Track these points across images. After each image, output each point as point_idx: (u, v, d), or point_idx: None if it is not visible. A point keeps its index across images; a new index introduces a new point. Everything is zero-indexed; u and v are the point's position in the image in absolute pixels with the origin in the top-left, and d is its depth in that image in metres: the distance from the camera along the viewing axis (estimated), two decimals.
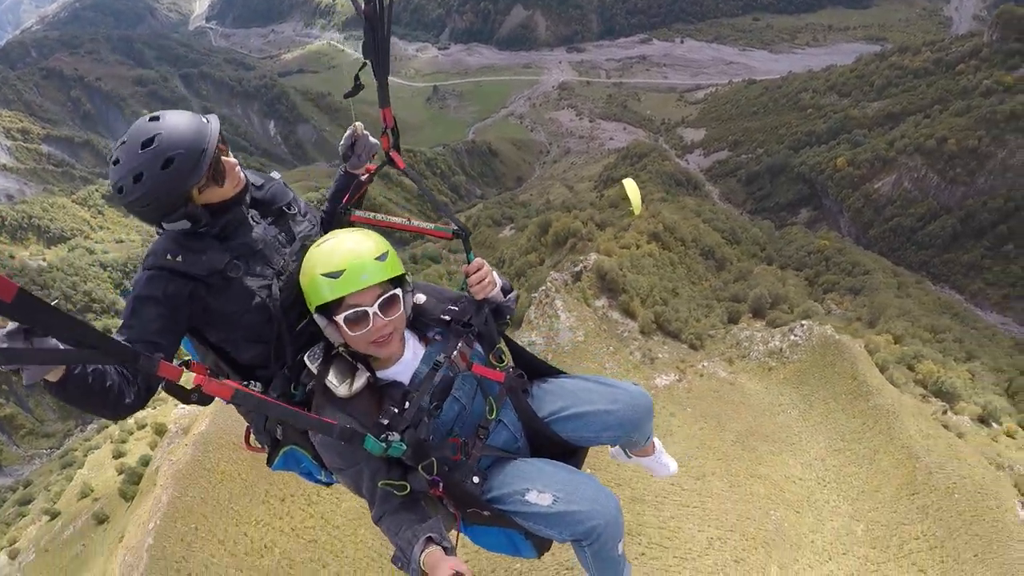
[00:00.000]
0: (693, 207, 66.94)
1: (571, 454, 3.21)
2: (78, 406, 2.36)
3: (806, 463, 26.04)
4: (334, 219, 3.48)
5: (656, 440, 3.81)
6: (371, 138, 3.49)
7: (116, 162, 2.66)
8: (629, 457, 3.86)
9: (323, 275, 2.68)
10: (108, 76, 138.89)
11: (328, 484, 3.41)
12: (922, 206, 70.69)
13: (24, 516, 39.59)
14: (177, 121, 2.66)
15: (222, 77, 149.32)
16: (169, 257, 2.77)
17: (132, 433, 38.99)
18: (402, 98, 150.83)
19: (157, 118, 2.70)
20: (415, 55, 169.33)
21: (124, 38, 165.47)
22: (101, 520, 31.01)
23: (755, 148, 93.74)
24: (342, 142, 3.48)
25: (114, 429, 42.59)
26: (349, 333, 2.74)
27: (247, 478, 24.66)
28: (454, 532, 2.97)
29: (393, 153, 3.41)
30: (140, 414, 43.10)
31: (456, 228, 3.44)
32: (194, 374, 2.26)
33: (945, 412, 30.32)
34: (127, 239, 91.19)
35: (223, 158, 2.82)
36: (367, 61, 3.14)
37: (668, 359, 33.31)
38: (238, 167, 2.92)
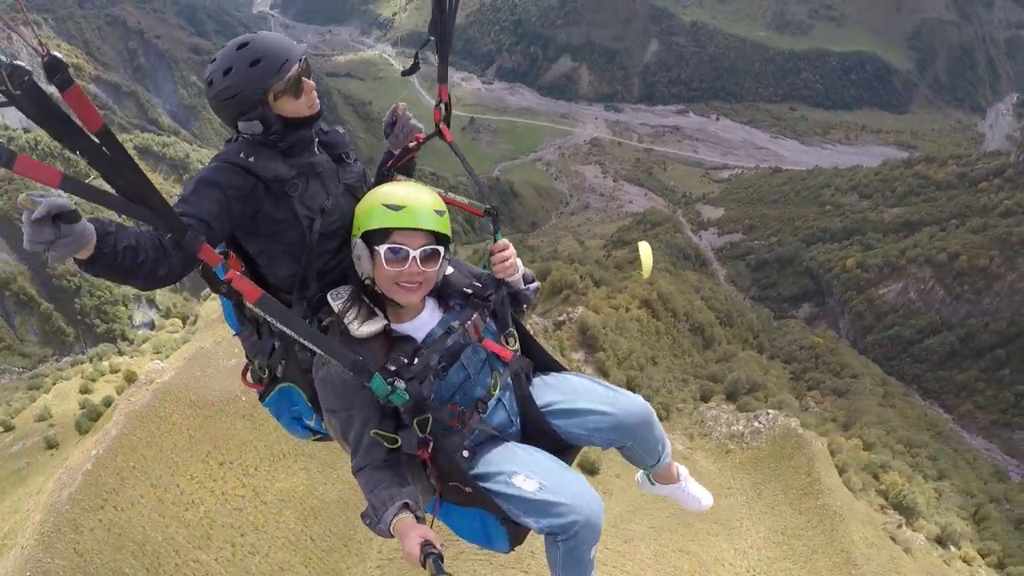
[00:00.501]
0: (693, 282, 66.94)
1: (562, 451, 3.15)
2: (107, 279, 2.39)
3: (740, 550, 25.39)
4: (379, 183, 3.41)
5: (681, 468, 3.73)
6: (412, 120, 3.51)
7: (213, 60, 2.88)
8: (653, 485, 3.78)
9: (384, 204, 2.75)
10: (167, 36, 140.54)
11: (313, 435, 3.40)
12: (924, 319, 70.40)
13: None
14: (271, 35, 2.91)
15: None
16: (242, 156, 2.88)
17: (104, 375, 39.26)
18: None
19: (255, 33, 2.93)
20: (460, 83, 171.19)
21: (189, 5, 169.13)
22: (51, 445, 31.11)
23: (769, 236, 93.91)
24: (384, 119, 3.55)
25: (87, 367, 43.16)
26: (384, 267, 2.76)
27: (194, 435, 24.98)
28: (428, 514, 2.91)
29: (443, 126, 3.48)
30: (116, 360, 43.44)
31: (488, 207, 3.47)
32: (231, 267, 2.36)
33: (900, 526, 29.65)
34: None
35: (303, 78, 2.94)
36: (431, 38, 3.24)
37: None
38: (315, 92, 3.04)
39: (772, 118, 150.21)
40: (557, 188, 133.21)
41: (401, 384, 2.68)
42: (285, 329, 2.54)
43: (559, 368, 3.42)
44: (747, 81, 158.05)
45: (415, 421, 2.72)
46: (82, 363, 49.92)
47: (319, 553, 22.97)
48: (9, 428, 35.60)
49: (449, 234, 2.89)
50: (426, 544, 2.35)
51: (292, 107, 2.97)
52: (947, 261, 70.67)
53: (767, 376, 47.11)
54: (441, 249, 2.85)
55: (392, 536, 2.50)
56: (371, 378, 2.61)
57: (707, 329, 53.85)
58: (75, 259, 2.14)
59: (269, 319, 2.51)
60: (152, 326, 72.16)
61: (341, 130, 3.40)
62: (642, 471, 3.75)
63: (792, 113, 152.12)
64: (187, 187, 2.81)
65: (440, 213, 2.82)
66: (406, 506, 2.52)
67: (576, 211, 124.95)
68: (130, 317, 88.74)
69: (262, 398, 3.30)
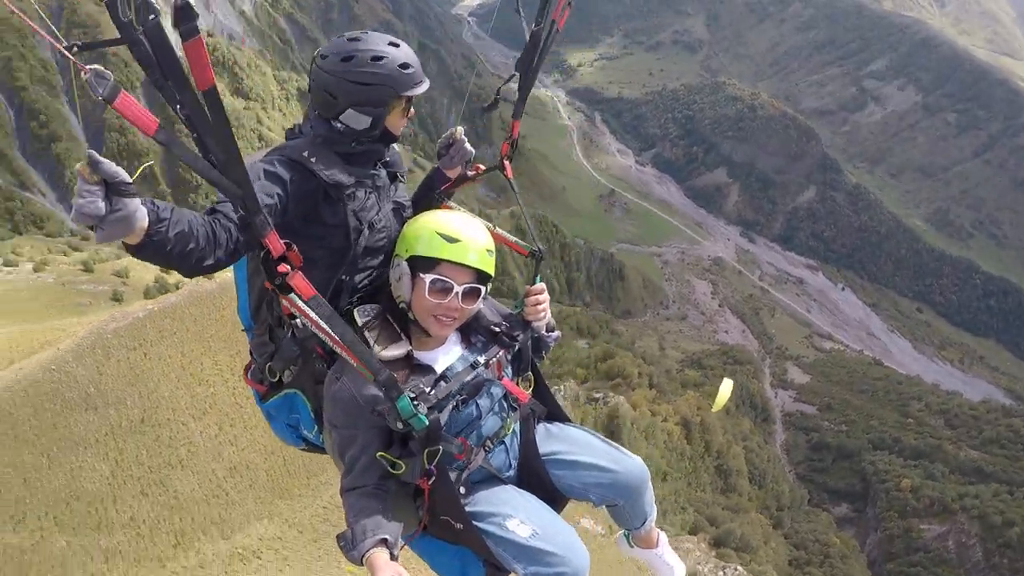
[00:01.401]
0: (744, 430, 65.78)
1: (552, 500, 3.16)
2: (151, 263, 2.36)
3: None
4: (427, 203, 3.52)
5: (661, 534, 3.76)
6: (467, 145, 3.53)
7: (354, 39, 2.91)
8: (631, 547, 3.78)
9: (438, 233, 2.75)
10: (364, 3, 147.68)
11: (305, 445, 3.40)
12: (952, 574, 66.66)
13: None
14: (411, 50, 3.01)
15: (452, 66, 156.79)
16: (305, 154, 2.88)
17: None
18: (581, 181, 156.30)
19: (401, 41, 3.03)
20: (615, 154, 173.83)
21: None
22: (117, 298, 33.96)
23: (841, 422, 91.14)
24: (440, 140, 3.56)
25: None
26: (425, 296, 2.76)
27: (236, 334, 25.73)
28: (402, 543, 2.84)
29: (506, 162, 3.53)
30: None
31: (534, 248, 3.45)
32: (292, 261, 2.34)
33: None
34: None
35: (404, 112, 3.08)
36: (515, 73, 3.28)
37: (606, 514, 33.12)
38: None
39: (896, 311, 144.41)
40: (664, 289, 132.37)
41: (423, 409, 2.64)
42: (327, 332, 2.50)
43: (564, 419, 3.43)
44: (887, 264, 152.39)
45: (426, 450, 2.68)
46: None
47: (283, 472, 24.13)
48: (88, 270, 38.68)
49: (493, 274, 2.89)
50: None
51: (397, 123, 3.07)
52: (999, 526, 66.87)
53: (765, 547, 45.90)
54: (483, 288, 2.87)
55: (362, 565, 2.48)
56: (399, 397, 2.57)
57: (733, 477, 52.82)
58: (124, 243, 2.09)
59: (307, 321, 2.49)
60: None
61: (398, 149, 3.48)
62: (623, 532, 3.79)
63: (918, 315, 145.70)
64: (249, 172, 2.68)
65: (490, 253, 2.84)
66: (384, 541, 2.50)
67: (672, 318, 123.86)
68: None
69: (262, 400, 3.29)
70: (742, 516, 47.50)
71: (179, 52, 1.72)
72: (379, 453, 2.68)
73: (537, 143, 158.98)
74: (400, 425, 2.62)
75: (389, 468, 2.69)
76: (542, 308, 3.22)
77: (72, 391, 21.18)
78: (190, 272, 2.41)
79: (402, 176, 3.36)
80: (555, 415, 3.39)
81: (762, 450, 66.30)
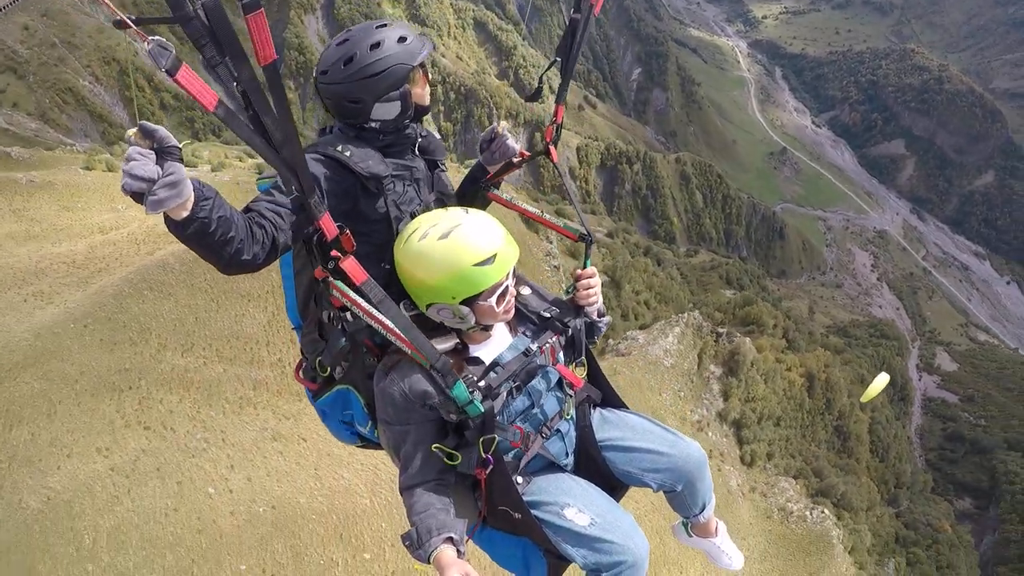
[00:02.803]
0: (874, 401, 63.92)
1: (612, 488, 3.17)
2: (192, 248, 2.25)
3: None
4: (473, 193, 3.58)
5: (721, 523, 3.67)
6: (509, 140, 3.45)
7: (343, 41, 2.93)
8: (690, 536, 3.70)
9: (475, 265, 2.61)
10: None
11: (361, 443, 3.37)
12: None
13: None
14: (401, 21, 3.40)
15: (630, 6, 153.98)
16: (339, 148, 2.86)
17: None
18: (753, 135, 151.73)
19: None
20: (791, 112, 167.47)
21: None
22: None
23: (980, 416, 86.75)
24: (483, 135, 3.50)
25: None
26: (495, 309, 2.75)
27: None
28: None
29: (551, 146, 3.43)
30: None
31: (583, 232, 3.37)
32: (345, 245, 2.36)
33: None
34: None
35: (423, 79, 3.10)
36: (557, 59, 3.20)
37: (715, 442, 34.46)
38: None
39: None
40: (823, 254, 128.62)
41: (479, 396, 2.63)
42: (379, 319, 2.49)
43: (620, 404, 3.41)
44: None
45: (481, 439, 2.68)
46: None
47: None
48: (260, 171, 41.69)
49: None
50: None
51: (422, 93, 3.07)
52: None
53: (868, 512, 45.65)
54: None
55: (429, 564, 2.48)
56: (455, 383, 2.57)
57: (852, 441, 51.89)
58: (167, 220, 2.05)
59: (358, 310, 2.51)
60: None
61: (438, 135, 3.97)
62: (680, 520, 3.70)
63: None
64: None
65: (508, 235, 2.76)
66: (450, 540, 2.51)
67: (827, 285, 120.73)
68: None
69: (315, 397, 3.27)
70: (851, 478, 47.20)
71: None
72: (435, 445, 2.69)
73: (713, 92, 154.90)
74: (454, 416, 2.66)
75: (446, 460, 2.70)
76: (593, 292, 3.18)
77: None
78: (228, 264, 2.34)
79: (442, 164, 3.36)
80: (611, 401, 3.40)
81: (890, 424, 64.38)
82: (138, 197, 1.89)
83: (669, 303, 56.08)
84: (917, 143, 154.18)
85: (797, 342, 54.23)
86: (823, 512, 32.87)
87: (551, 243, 45.70)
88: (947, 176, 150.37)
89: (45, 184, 30.81)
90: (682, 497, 3.32)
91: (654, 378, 34.92)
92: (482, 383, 2.71)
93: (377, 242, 2.98)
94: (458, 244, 2.62)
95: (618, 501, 3.15)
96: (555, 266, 44.08)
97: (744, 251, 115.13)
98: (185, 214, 2.05)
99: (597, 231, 70.53)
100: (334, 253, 2.39)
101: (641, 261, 64.70)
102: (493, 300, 2.71)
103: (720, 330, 41.79)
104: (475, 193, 3.57)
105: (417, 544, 2.51)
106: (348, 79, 2.86)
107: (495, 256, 2.64)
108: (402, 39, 2.92)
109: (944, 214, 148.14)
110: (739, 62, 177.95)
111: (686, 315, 40.29)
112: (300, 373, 3.28)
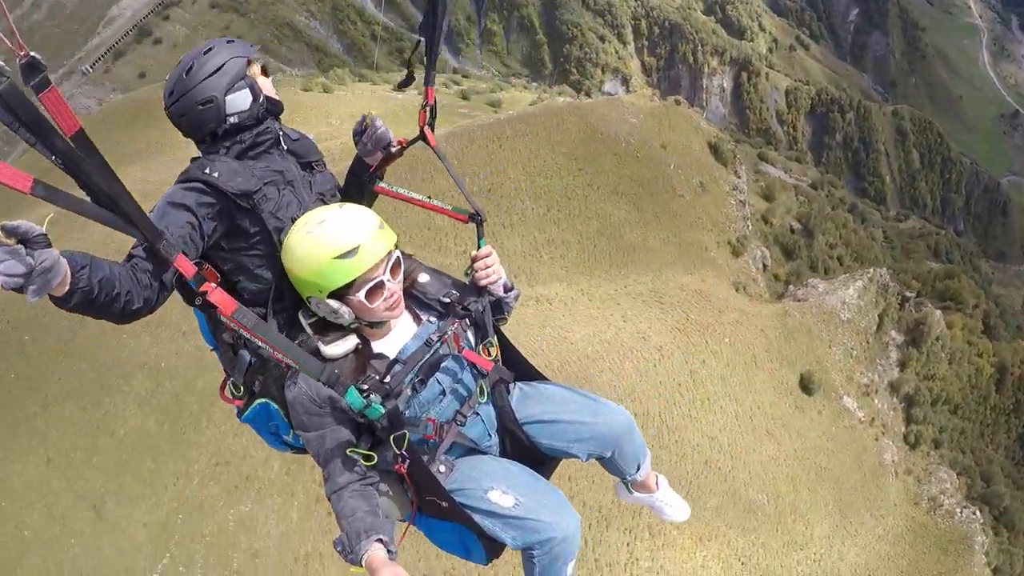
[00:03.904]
0: None
1: (540, 464, 3.19)
2: (83, 314, 2.32)
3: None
4: (358, 188, 3.54)
5: (661, 477, 3.66)
6: (380, 129, 3.43)
7: (180, 64, 3.04)
8: (631, 493, 3.67)
9: (337, 258, 2.61)
10: None
11: (293, 449, 3.32)
12: None
13: None
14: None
15: None
16: (207, 171, 2.87)
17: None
18: (983, 93, 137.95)
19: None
20: None
21: None
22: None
23: None
24: (354, 127, 3.52)
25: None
26: (368, 306, 2.72)
27: None
28: (404, 524, 2.99)
29: (427, 130, 3.39)
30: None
31: (472, 212, 3.31)
32: (207, 278, 2.32)
33: None
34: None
35: (262, 74, 3.17)
36: (420, 39, 3.20)
37: (879, 410, 32.80)
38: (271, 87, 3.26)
39: None
40: None
41: (377, 398, 2.59)
42: (259, 341, 2.47)
43: (539, 377, 3.38)
44: None
45: (391, 437, 2.65)
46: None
47: (590, 257, 29.26)
48: (466, 97, 49.27)
49: (396, 237, 2.80)
50: None
51: (266, 83, 3.15)
52: None
53: None
54: (398, 253, 2.81)
55: (362, 567, 2.50)
56: (346, 391, 2.52)
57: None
58: (51, 297, 2.10)
59: (242, 332, 2.48)
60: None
61: (311, 136, 3.52)
62: (618, 480, 3.66)
63: None
64: (153, 211, 2.75)
65: (381, 226, 2.73)
66: (380, 541, 2.53)
67: None
68: (600, 83, 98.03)
69: (240, 414, 3.25)
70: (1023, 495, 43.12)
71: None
72: (349, 449, 2.70)
73: (939, 39, 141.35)
74: (361, 418, 2.62)
75: (363, 461, 2.70)
76: (492, 271, 3.15)
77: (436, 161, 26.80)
78: (122, 318, 2.42)
79: (317, 165, 3.36)
80: (528, 375, 3.36)
81: None
82: (19, 291, 1.93)
83: (865, 263, 52.53)
84: None
85: (997, 330, 49.47)
86: (974, 513, 30.68)
87: (740, 178, 44.13)
88: None
89: None
90: (613, 462, 3.29)
91: (826, 329, 33.75)
92: (387, 379, 2.72)
93: (263, 254, 3.02)
94: (320, 238, 2.64)
95: (548, 477, 3.17)
96: (741, 201, 42.55)
97: (960, 224, 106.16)
98: (66, 289, 2.11)
99: (801, 180, 67.30)
100: (203, 288, 2.31)
101: (842, 216, 61.67)
102: (362, 295, 2.68)
103: (908, 294, 39.00)
104: (360, 188, 3.51)
105: (349, 549, 2.54)
106: (193, 85, 2.93)
107: (357, 249, 2.60)
108: (230, 42, 3.05)
109: None
110: (970, 7, 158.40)
111: (871, 270, 37.91)
112: (224, 391, 3.26)
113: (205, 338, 3.32)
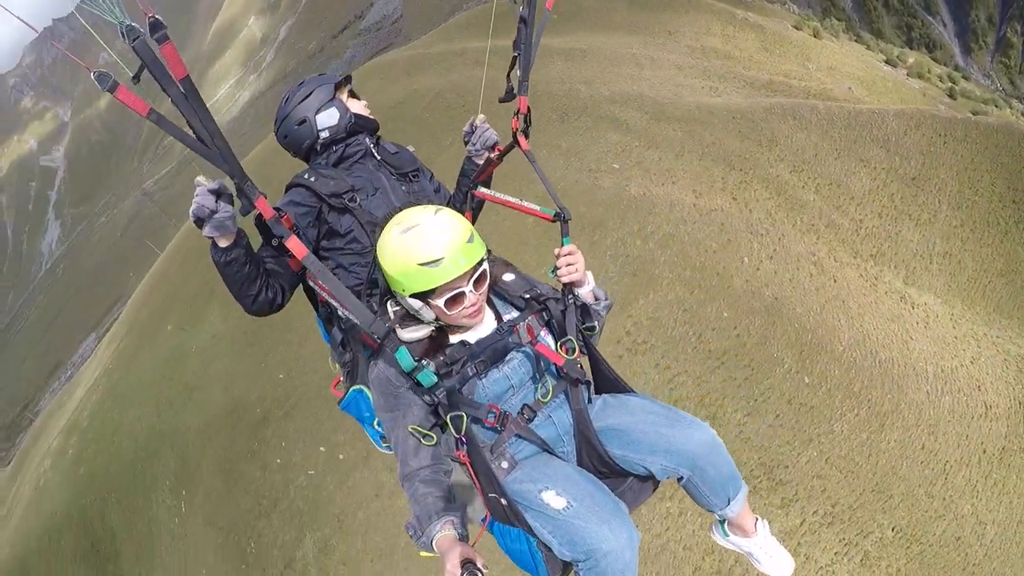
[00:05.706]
0: None
1: (617, 478, 2.90)
2: (229, 278, 2.80)
3: None
4: (464, 191, 3.72)
5: (762, 521, 3.24)
6: (488, 131, 3.61)
7: (279, 103, 3.63)
8: (726, 536, 3.30)
9: (421, 264, 2.59)
10: None
11: (384, 442, 3.25)
12: None
13: None
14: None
15: None
16: (306, 176, 3.30)
17: None
18: None
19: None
20: None
21: None
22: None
23: None
24: (464, 127, 3.68)
25: None
26: (447, 312, 2.71)
27: None
28: (478, 527, 2.79)
29: (520, 137, 3.44)
30: None
31: (557, 211, 3.27)
32: (285, 224, 2.70)
33: None
34: None
35: (352, 97, 3.63)
36: (516, 54, 3.29)
37: None
38: (368, 109, 3.67)
39: None
40: None
41: (431, 365, 2.64)
42: (323, 286, 2.76)
43: (626, 389, 3.16)
44: None
45: (448, 417, 2.64)
46: None
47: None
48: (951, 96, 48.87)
49: (485, 249, 2.78)
50: (467, 563, 2.26)
51: (356, 103, 3.59)
52: None
53: None
54: (486, 267, 2.78)
55: (433, 551, 2.45)
56: (397, 349, 2.60)
57: None
58: (213, 247, 2.63)
59: (312, 282, 2.85)
60: None
61: (411, 148, 3.75)
62: (716, 519, 3.29)
63: None
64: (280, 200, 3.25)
65: (471, 239, 2.68)
66: (451, 523, 2.47)
67: None
68: None
69: (340, 402, 3.35)
70: None
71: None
72: (411, 427, 2.67)
73: None
74: (427, 396, 2.67)
75: (422, 440, 2.66)
76: (575, 268, 3.02)
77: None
78: (254, 302, 2.90)
79: (414, 175, 3.56)
80: (614, 387, 3.17)
81: None
82: (199, 222, 2.57)
83: None
84: None
85: None
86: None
87: None
88: None
89: (756, 26, 38.72)
90: (695, 485, 2.89)
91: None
92: (446, 352, 2.75)
93: (358, 250, 3.30)
94: (409, 242, 2.63)
95: (629, 500, 2.93)
96: None
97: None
98: (228, 243, 2.68)
99: None
100: (283, 228, 2.69)
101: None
102: (442, 302, 2.68)
103: None
104: (465, 192, 3.71)
105: (420, 531, 2.51)
106: (290, 109, 3.50)
107: (441, 259, 2.59)
108: (322, 74, 3.60)
109: None
110: None
111: None
112: (334, 385, 3.44)
113: (323, 335, 3.54)
